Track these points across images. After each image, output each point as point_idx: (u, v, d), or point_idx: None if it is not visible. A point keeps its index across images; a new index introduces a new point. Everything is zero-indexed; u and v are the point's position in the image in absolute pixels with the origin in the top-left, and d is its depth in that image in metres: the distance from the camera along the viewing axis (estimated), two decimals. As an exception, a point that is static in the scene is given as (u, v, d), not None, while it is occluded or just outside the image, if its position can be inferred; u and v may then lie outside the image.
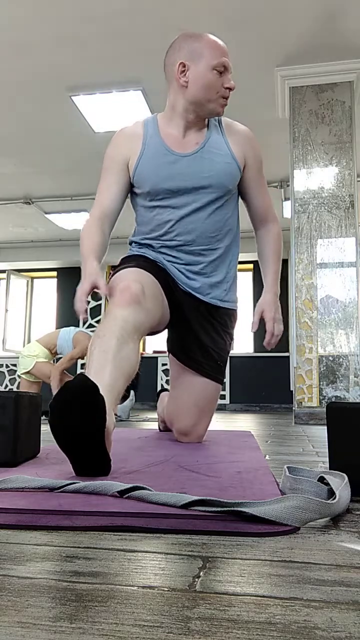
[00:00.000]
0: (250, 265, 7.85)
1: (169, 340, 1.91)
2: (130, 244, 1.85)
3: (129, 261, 1.72)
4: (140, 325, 1.43)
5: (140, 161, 1.70)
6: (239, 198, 1.87)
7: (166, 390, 2.54)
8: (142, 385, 4.68)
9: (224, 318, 1.85)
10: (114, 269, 1.71)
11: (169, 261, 1.76)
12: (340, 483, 0.85)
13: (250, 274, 8.05)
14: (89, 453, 1.08)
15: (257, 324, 1.73)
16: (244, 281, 7.95)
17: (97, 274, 1.47)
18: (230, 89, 1.67)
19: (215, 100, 1.67)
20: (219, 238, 1.78)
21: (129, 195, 1.79)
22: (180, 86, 1.68)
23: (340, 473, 0.92)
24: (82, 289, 1.44)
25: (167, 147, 1.71)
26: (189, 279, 1.77)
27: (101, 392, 1.09)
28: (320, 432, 2.76)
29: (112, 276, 1.67)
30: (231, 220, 1.82)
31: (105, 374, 1.23)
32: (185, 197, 1.72)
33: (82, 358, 4.14)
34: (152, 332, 1.76)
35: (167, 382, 7.59)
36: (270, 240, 1.86)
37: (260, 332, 1.52)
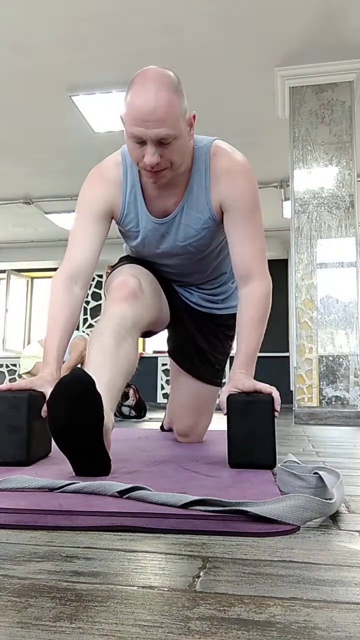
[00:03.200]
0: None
1: (168, 341, 1.91)
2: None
3: (126, 259, 1.69)
4: (139, 320, 1.40)
5: (123, 219, 1.52)
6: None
7: None
8: (142, 385, 4.69)
9: (225, 321, 1.82)
10: (113, 268, 1.70)
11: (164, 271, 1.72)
12: (335, 481, 0.85)
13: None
14: (87, 451, 1.07)
15: (225, 409, 1.27)
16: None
17: (49, 383, 1.26)
18: (146, 167, 1.31)
19: (141, 170, 1.37)
20: (215, 275, 1.72)
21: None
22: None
23: (335, 470, 0.92)
24: (18, 384, 1.28)
25: (145, 212, 1.49)
26: (186, 291, 1.76)
27: (100, 391, 1.08)
28: (320, 432, 2.76)
29: (110, 273, 1.66)
30: (223, 256, 1.65)
31: (104, 373, 1.21)
32: (169, 258, 1.60)
33: (82, 364, 4.14)
34: (151, 332, 1.73)
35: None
36: (248, 305, 1.43)
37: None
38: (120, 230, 1.60)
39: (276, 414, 1.23)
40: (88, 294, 8.66)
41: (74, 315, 1.43)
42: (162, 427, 2.38)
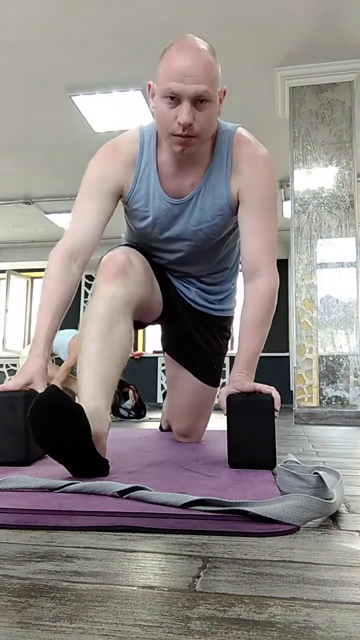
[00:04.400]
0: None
1: (163, 339, 1.87)
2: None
3: (119, 246, 1.60)
4: (130, 298, 1.32)
5: (132, 197, 1.46)
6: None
7: None
8: (143, 385, 4.69)
9: (220, 322, 1.79)
10: None
11: (162, 265, 1.67)
12: (335, 481, 0.85)
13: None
14: (79, 458, 1.04)
15: (225, 409, 1.25)
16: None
17: (38, 373, 1.26)
18: (181, 124, 1.23)
19: (167, 137, 1.31)
20: (219, 269, 1.68)
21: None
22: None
23: (335, 470, 0.92)
24: (7, 386, 1.26)
25: (160, 192, 1.44)
26: (183, 286, 1.71)
27: (95, 387, 1.06)
28: (321, 432, 2.76)
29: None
30: (229, 248, 1.64)
31: (98, 366, 1.17)
32: (174, 244, 1.54)
33: None
34: (142, 324, 1.67)
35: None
36: (252, 303, 1.40)
37: None
38: (126, 211, 1.54)
39: (276, 413, 1.23)
40: (88, 294, 8.67)
41: (68, 295, 1.37)
42: (160, 428, 2.38)
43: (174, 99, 1.23)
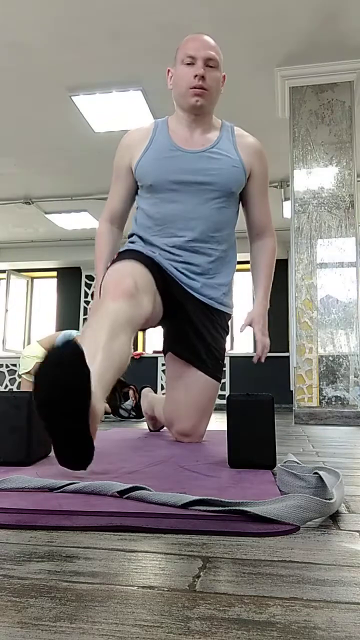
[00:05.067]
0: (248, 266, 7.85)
1: (167, 340, 1.91)
2: (130, 236, 1.86)
3: (124, 256, 1.70)
4: (133, 318, 1.41)
5: (144, 156, 1.76)
6: (239, 207, 1.89)
7: (147, 386, 2.56)
8: (143, 385, 4.68)
9: (221, 317, 1.87)
10: (113, 262, 1.70)
11: (167, 259, 1.75)
12: (335, 481, 0.86)
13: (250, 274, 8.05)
14: (71, 429, 1.03)
15: (244, 327, 1.80)
16: (245, 281, 7.94)
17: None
18: (197, 76, 1.67)
19: (186, 92, 1.71)
20: (219, 240, 1.79)
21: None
22: (170, 90, 1.80)
23: (335, 470, 0.92)
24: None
25: (174, 143, 1.76)
26: (190, 279, 1.77)
27: (93, 384, 1.06)
28: (321, 432, 2.76)
29: (107, 269, 1.66)
30: (231, 224, 1.85)
31: (95, 364, 1.19)
32: (189, 191, 1.74)
33: None
34: (144, 328, 1.75)
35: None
36: (265, 254, 1.89)
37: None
38: (138, 176, 1.80)
39: (259, 359, 1.73)
40: (88, 294, 8.67)
41: (115, 247, 1.88)
42: (150, 429, 2.40)
43: (190, 63, 1.69)
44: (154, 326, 1.82)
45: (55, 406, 1.01)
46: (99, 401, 1.12)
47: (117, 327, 1.31)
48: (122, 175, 1.84)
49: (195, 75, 1.67)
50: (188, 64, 1.69)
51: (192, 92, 1.70)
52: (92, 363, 1.18)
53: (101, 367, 1.21)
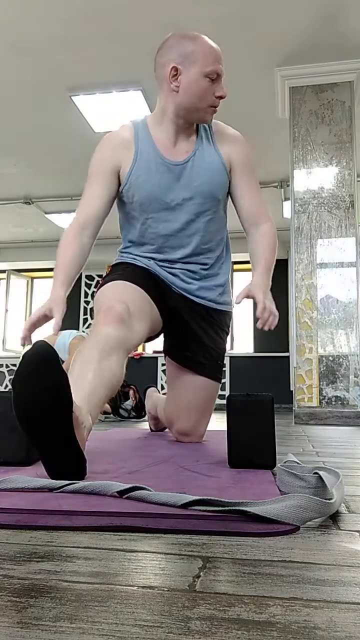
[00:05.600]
0: (249, 265, 7.85)
1: (165, 342, 1.91)
2: (123, 249, 1.81)
3: (116, 271, 1.69)
4: (125, 341, 1.39)
5: (133, 170, 1.65)
6: (228, 204, 1.81)
7: (152, 386, 2.56)
8: (143, 385, 4.68)
9: (220, 318, 1.86)
10: (104, 279, 1.69)
11: (161, 266, 1.74)
12: (335, 481, 0.85)
13: (250, 274, 8.05)
14: (56, 440, 0.98)
15: (242, 299, 1.51)
16: (244, 281, 7.94)
17: (55, 301, 1.37)
18: (221, 97, 1.59)
19: (205, 109, 1.61)
20: (212, 248, 1.78)
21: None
22: (171, 90, 1.60)
23: (335, 470, 0.92)
24: (31, 318, 1.36)
25: (161, 156, 1.66)
26: (186, 283, 1.77)
27: (79, 400, 1.04)
28: (320, 432, 2.76)
29: (99, 288, 1.64)
30: (222, 228, 1.81)
31: (85, 382, 1.19)
32: (179, 209, 1.68)
33: None
34: (147, 340, 1.76)
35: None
36: (263, 238, 1.70)
37: (260, 332, 1.49)
38: (128, 191, 1.67)
39: (264, 325, 1.48)
40: (88, 294, 8.67)
41: (81, 255, 1.55)
42: (150, 429, 2.40)
43: (214, 78, 1.57)
44: (156, 336, 1.83)
45: (35, 421, 0.97)
46: (84, 414, 1.09)
47: (108, 348, 1.31)
48: (105, 176, 1.64)
49: (219, 96, 1.59)
50: (211, 79, 1.57)
51: (210, 111, 1.62)
52: (82, 382, 1.18)
53: (91, 385, 1.20)
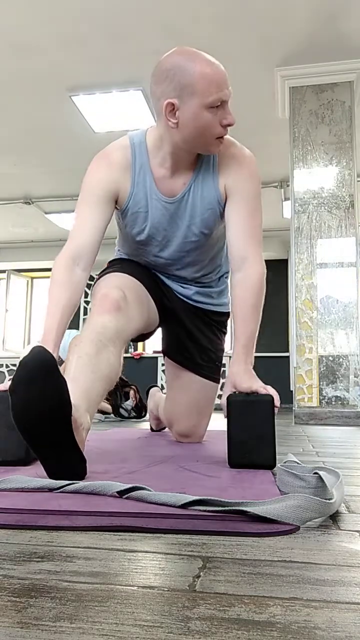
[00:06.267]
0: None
1: (164, 342, 1.91)
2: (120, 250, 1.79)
3: (114, 265, 1.67)
4: (122, 331, 1.36)
5: (130, 204, 1.52)
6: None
7: (155, 385, 2.56)
8: (143, 385, 4.68)
9: (219, 319, 1.86)
10: (101, 273, 1.68)
11: (159, 272, 1.73)
12: (335, 481, 0.85)
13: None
14: (55, 443, 0.98)
15: (227, 396, 1.29)
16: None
17: None
18: (229, 125, 1.37)
19: (209, 142, 1.40)
20: (207, 272, 1.75)
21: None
22: (169, 127, 1.39)
23: (335, 470, 0.92)
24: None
25: (156, 192, 1.51)
26: (183, 288, 1.77)
27: (77, 397, 1.03)
28: (320, 432, 2.76)
29: (96, 281, 1.63)
30: (217, 254, 1.72)
31: (82, 377, 1.17)
32: (171, 246, 1.60)
33: None
34: (141, 337, 1.75)
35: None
36: (245, 290, 1.43)
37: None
38: (124, 217, 1.56)
39: (276, 410, 1.24)
40: (88, 294, 8.67)
41: (74, 297, 1.40)
42: (151, 428, 2.40)
43: (218, 105, 1.34)
44: (151, 334, 1.81)
45: (34, 429, 0.96)
46: (82, 414, 1.08)
47: (105, 340, 1.27)
48: (99, 199, 1.46)
49: (227, 125, 1.36)
50: (216, 107, 1.34)
51: (217, 143, 1.41)
52: (78, 379, 1.16)
53: (87, 381, 1.18)
